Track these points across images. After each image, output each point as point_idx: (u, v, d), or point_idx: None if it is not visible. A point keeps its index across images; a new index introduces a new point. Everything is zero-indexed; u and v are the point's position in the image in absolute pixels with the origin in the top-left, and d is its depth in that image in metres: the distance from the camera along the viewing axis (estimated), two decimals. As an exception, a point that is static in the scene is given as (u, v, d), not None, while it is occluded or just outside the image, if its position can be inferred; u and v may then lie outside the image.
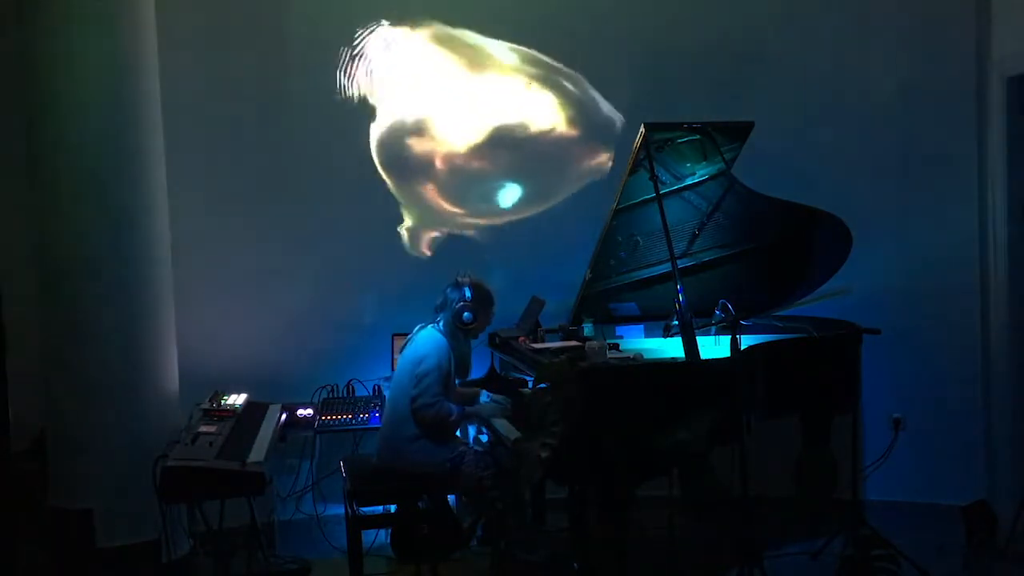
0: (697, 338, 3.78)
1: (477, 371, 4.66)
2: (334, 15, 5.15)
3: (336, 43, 5.14)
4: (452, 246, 5.26)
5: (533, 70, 5.27)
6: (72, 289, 4.29)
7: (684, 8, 5.23)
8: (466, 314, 4.07)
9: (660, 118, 4.21)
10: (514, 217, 5.36)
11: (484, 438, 4.67)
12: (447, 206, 5.32)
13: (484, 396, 4.28)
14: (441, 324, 4.12)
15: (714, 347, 4.17)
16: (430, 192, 5.30)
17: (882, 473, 4.97)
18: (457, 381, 4.25)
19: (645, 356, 4.13)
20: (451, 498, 4.53)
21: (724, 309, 3.83)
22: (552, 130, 5.31)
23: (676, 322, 3.97)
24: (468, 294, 4.07)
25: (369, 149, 5.21)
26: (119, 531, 4.24)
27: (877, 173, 5.13)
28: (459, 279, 4.13)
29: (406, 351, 4.14)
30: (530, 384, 4.12)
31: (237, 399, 4.40)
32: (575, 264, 4.64)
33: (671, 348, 4.31)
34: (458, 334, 4.11)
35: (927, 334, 5.05)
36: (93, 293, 4.27)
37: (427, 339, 4.07)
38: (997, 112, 4.71)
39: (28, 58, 4.32)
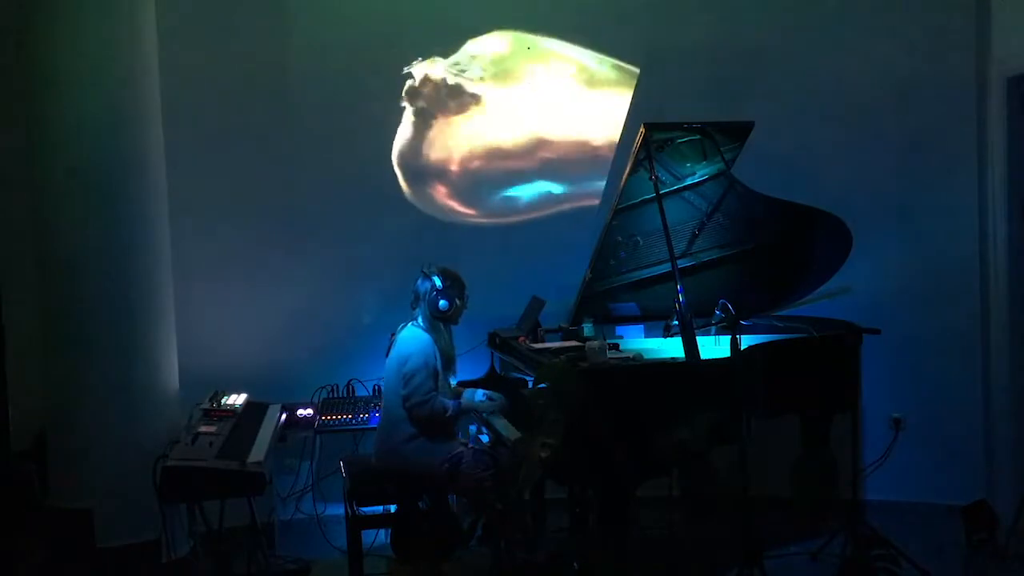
0: (697, 338, 3.78)
1: (477, 371, 4.67)
2: (336, 16, 5.15)
3: (338, 43, 5.14)
4: (452, 246, 5.26)
5: (535, 69, 5.29)
6: (72, 289, 4.29)
7: (684, 8, 5.24)
8: (442, 302, 4.06)
9: (660, 118, 4.20)
10: (514, 218, 5.36)
11: (484, 438, 4.66)
12: (447, 206, 5.32)
13: (479, 394, 4.27)
14: (420, 319, 4.11)
15: (714, 347, 4.16)
16: (431, 192, 5.30)
17: (882, 473, 4.95)
18: (454, 381, 4.26)
19: (645, 356, 4.12)
20: (451, 498, 4.53)
21: (724, 309, 3.83)
22: (552, 130, 5.31)
23: (676, 322, 3.97)
24: (439, 282, 4.07)
25: (370, 149, 5.22)
26: (119, 531, 4.24)
27: (877, 173, 5.13)
28: (424, 270, 4.13)
29: (391, 353, 4.13)
30: (530, 384, 4.12)
31: (237, 399, 4.40)
32: (575, 264, 4.63)
33: (671, 348, 4.30)
34: (438, 325, 4.10)
35: (927, 334, 5.05)
36: (93, 293, 4.27)
37: (409, 338, 4.07)
38: (997, 112, 4.71)
39: (28, 58, 4.32)
